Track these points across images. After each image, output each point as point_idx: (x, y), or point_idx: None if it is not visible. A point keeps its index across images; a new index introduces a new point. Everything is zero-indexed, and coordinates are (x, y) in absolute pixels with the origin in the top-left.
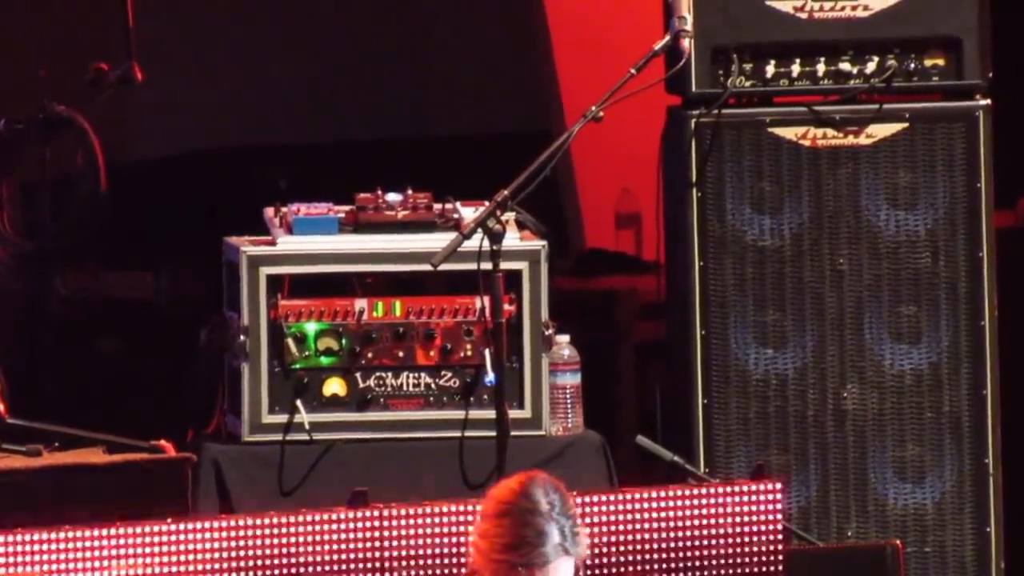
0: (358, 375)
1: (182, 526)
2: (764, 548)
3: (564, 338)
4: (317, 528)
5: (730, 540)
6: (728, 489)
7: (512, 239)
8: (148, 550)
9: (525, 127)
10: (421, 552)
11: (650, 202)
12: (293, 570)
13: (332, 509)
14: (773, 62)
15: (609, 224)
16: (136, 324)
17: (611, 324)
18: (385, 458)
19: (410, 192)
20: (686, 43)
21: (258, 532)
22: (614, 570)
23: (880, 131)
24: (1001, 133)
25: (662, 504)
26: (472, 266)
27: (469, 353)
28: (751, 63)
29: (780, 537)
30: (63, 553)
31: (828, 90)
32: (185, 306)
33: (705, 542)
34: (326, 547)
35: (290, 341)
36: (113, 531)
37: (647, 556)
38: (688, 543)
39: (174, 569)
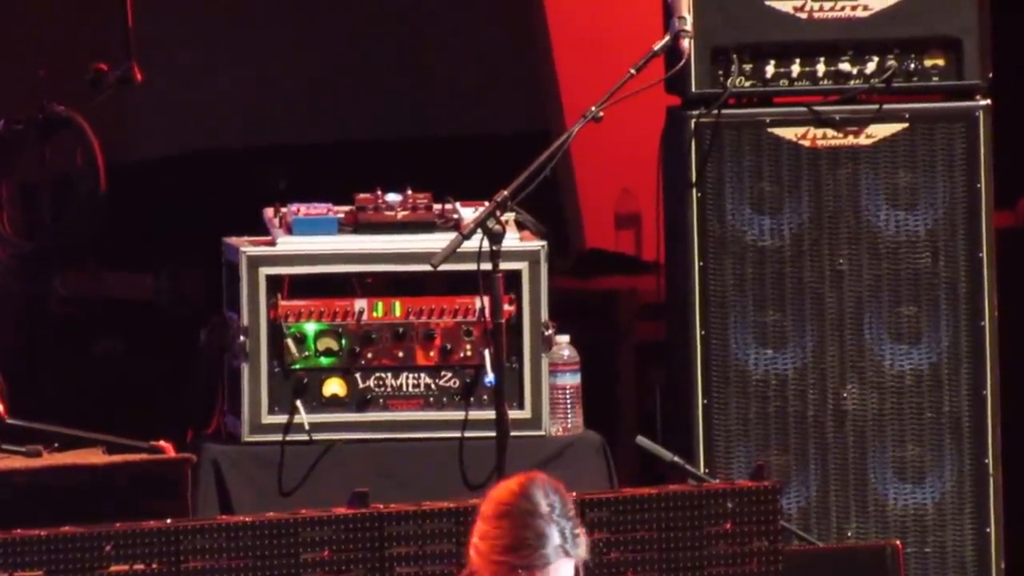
0: (358, 375)
1: (182, 527)
2: (764, 549)
3: (564, 338)
4: (317, 528)
5: (730, 541)
6: (728, 489)
7: (512, 239)
8: (148, 550)
9: (525, 127)
10: (421, 552)
11: (650, 202)
12: (293, 570)
13: (332, 509)
14: (773, 62)
15: (609, 224)
16: (136, 324)
17: (611, 324)
18: (385, 458)
19: (410, 192)
20: (686, 43)
21: (258, 532)
22: (614, 570)
23: (880, 131)
24: (1001, 133)
25: (662, 504)
26: (472, 266)
27: (469, 353)
28: (751, 63)
29: (780, 537)
30: (63, 553)
31: (828, 90)
32: (185, 306)
33: (705, 542)
34: (325, 547)
35: (290, 341)
36: (112, 532)
37: (647, 556)
38: (688, 543)
39: (174, 569)
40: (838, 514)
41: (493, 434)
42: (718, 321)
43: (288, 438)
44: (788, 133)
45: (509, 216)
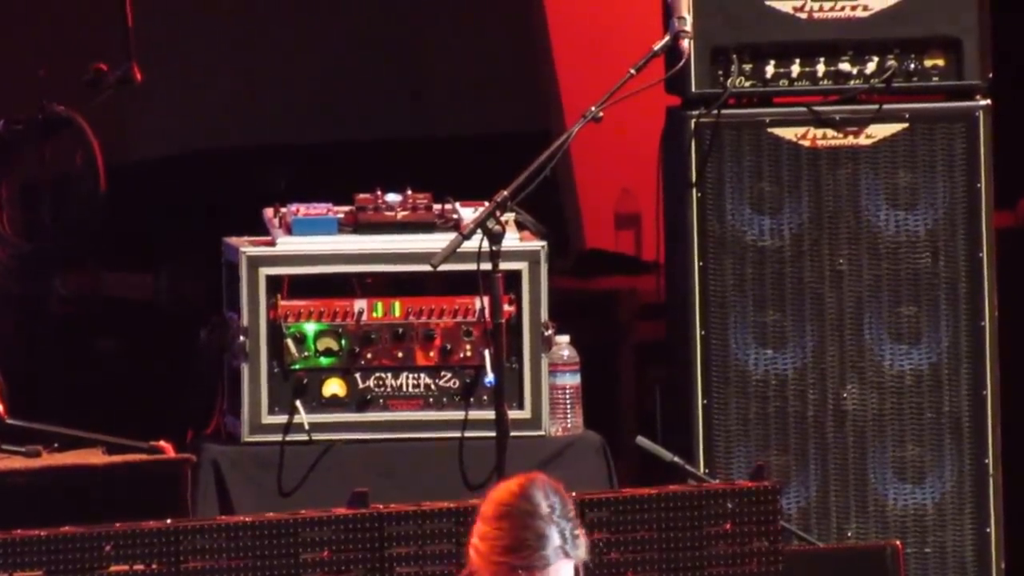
0: (357, 376)
1: (181, 527)
2: (764, 549)
3: (564, 338)
4: (317, 528)
5: (730, 541)
6: (728, 490)
7: (512, 240)
8: (148, 551)
9: (525, 127)
10: (421, 552)
11: (650, 202)
12: (293, 571)
13: (332, 510)
14: (773, 62)
15: (609, 224)
16: (136, 325)
17: (611, 324)
18: (385, 459)
19: (409, 192)
20: (686, 43)
21: (258, 533)
22: (614, 570)
23: (880, 131)
24: (1001, 133)
25: (662, 505)
26: (472, 267)
27: (469, 354)
28: (751, 63)
29: (780, 538)
30: (62, 554)
31: (828, 90)
32: (184, 306)
33: (705, 543)
34: (325, 548)
35: (289, 341)
36: (112, 532)
37: (647, 557)
38: (688, 544)
39: (174, 570)
40: (838, 514)
41: (493, 434)
42: (718, 321)
43: (288, 438)
44: (788, 133)
45: (509, 216)
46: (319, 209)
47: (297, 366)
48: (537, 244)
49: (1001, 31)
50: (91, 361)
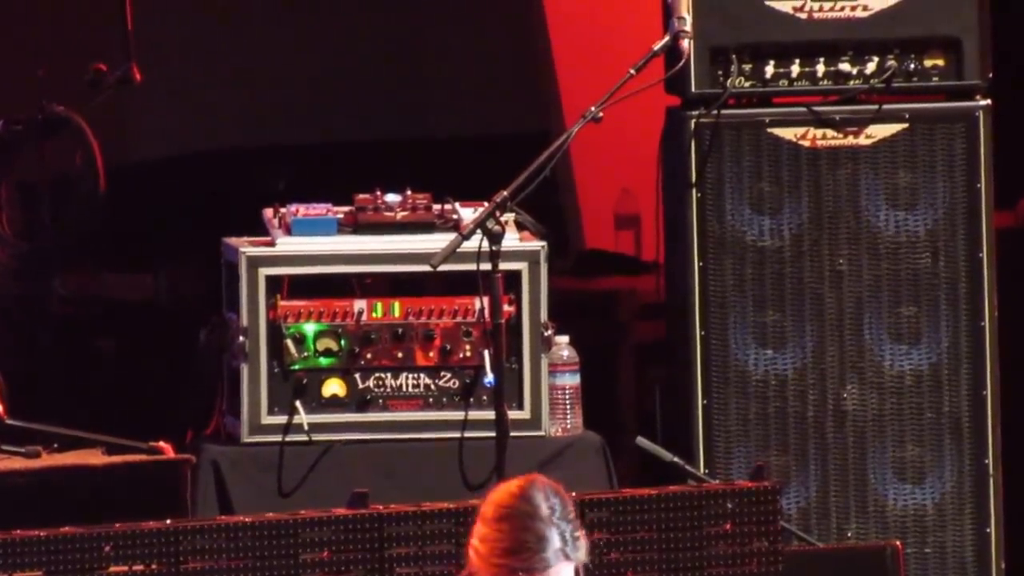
0: (357, 376)
1: (181, 527)
2: (764, 549)
3: (563, 339)
4: (316, 529)
5: (730, 541)
6: (728, 490)
7: (511, 240)
8: (147, 551)
9: (524, 128)
10: (421, 553)
11: (650, 203)
12: (292, 571)
13: (331, 510)
14: (772, 62)
15: (608, 225)
16: (135, 325)
17: (611, 325)
18: (384, 459)
19: (409, 193)
20: (685, 43)
21: (257, 533)
22: (614, 571)
23: (880, 131)
24: (1001, 133)
25: (662, 505)
26: (471, 267)
27: (468, 354)
28: (750, 63)
29: (780, 538)
30: (62, 554)
31: (828, 90)
32: (184, 307)
33: (705, 543)
34: (325, 548)
35: (289, 342)
36: (112, 532)
37: (647, 557)
38: (688, 544)
39: (173, 571)
40: (838, 514)
41: (493, 434)
42: (718, 321)
43: (288, 439)
44: (788, 133)
45: (509, 216)
46: (319, 209)
47: (297, 366)
48: (537, 244)
49: (1001, 31)
50: (91, 361)
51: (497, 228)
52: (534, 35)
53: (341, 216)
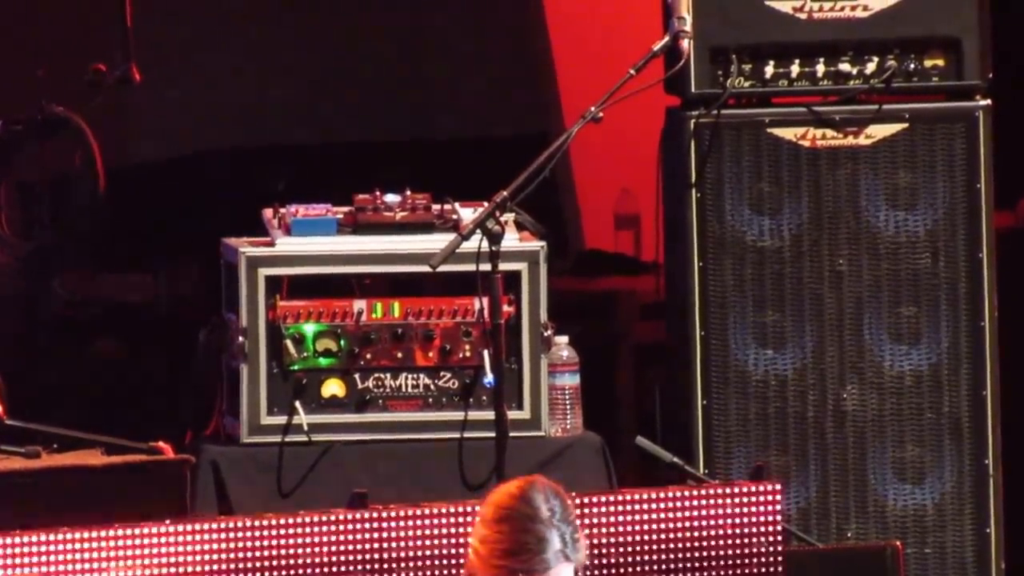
0: (357, 376)
1: (181, 528)
2: (764, 549)
3: (563, 339)
4: (316, 530)
5: (730, 541)
6: (727, 490)
7: (511, 240)
8: (147, 552)
9: (524, 128)
10: (420, 553)
11: (649, 203)
12: (292, 572)
13: (331, 511)
14: (772, 63)
15: (608, 225)
16: (135, 325)
17: (610, 325)
18: (384, 459)
19: (409, 193)
20: (685, 44)
21: (257, 534)
22: (613, 571)
23: (880, 131)
24: (1001, 133)
25: (661, 505)
26: (471, 267)
27: (468, 354)
28: (750, 64)
29: (780, 538)
30: (61, 555)
31: (827, 91)
32: (184, 307)
33: (705, 543)
34: (325, 549)
35: (289, 342)
36: (111, 533)
37: (646, 558)
38: (688, 544)
39: (173, 571)
40: (838, 515)
41: (492, 435)
42: (718, 322)
43: (287, 439)
44: (787, 133)
45: (508, 217)
46: (318, 210)
47: (296, 367)
48: (536, 244)
49: (1001, 31)
50: (90, 362)
51: (497, 228)
52: (534, 35)
53: (341, 216)
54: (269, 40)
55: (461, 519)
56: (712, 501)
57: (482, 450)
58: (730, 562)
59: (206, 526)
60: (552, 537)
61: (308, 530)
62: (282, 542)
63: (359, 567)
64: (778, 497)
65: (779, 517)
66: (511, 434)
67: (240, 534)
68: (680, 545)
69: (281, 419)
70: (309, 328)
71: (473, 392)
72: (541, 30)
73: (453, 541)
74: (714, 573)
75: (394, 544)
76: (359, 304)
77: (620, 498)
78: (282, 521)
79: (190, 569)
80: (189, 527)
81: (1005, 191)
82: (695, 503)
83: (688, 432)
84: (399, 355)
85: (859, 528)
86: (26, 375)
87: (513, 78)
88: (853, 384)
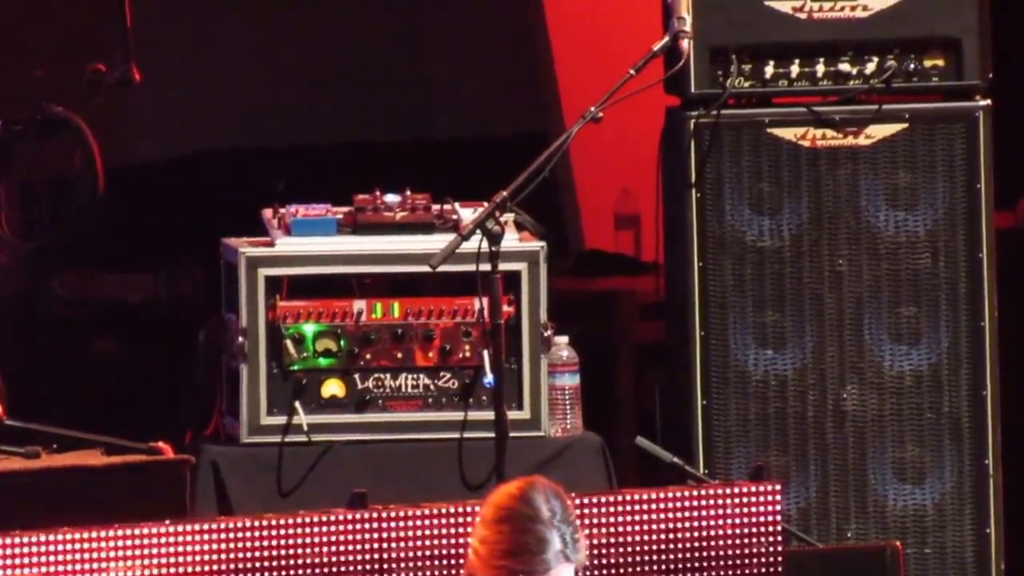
0: (357, 376)
1: (180, 528)
2: (764, 549)
3: (563, 339)
4: (316, 530)
5: (730, 542)
6: (727, 490)
7: (511, 240)
8: (146, 552)
9: (524, 128)
10: (420, 554)
11: (649, 203)
12: (292, 572)
13: (331, 511)
14: (772, 63)
15: (608, 225)
16: (134, 326)
17: (610, 325)
18: (384, 459)
19: (408, 193)
20: (685, 44)
21: (257, 534)
22: (614, 571)
23: (880, 131)
24: (1001, 133)
25: (661, 506)
26: (471, 267)
27: (468, 354)
28: (750, 64)
29: (780, 538)
30: (61, 555)
31: (827, 91)
32: (184, 307)
33: (704, 544)
34: (325, 549)
35: (288, 342)
36: (111, 533)
37: (646, 558)
38: (687, 545)
39: (173, 571)
40: (838, 515)
41: (492, 435)
42: (717, 322)
43: (287, 439)
44: (787, 133)
45: (508, 217)
46: (318, 210)
47: (296, 367)
48: (536, 245)
49: (1001, 31)
50: (90, 362)
51: (496, 228)
52: (534, 35)
53: (340, 216)
54: (269, 40)
55: (461, 519)
56: (712, 501)
57: (482, 450)
58: (730, 562)
59: (206, 526)
60: (552, 538)
61: (308, 530)
62: (282, 542)
63: (359, 567)
64: (778, 497)
65: (779, 517)
66: (511, 434)
67: (240, 534)
68: (680, 545)
69: (281, 419)
70: (309, 328)
71: (473, 392)
72: (541, 30)
73: (453, 541)
74: (714, 573)
75: (394, 544)
76: (359, 304)
77: (620, 498)
78: (282, 521)
79: (190, 569)
80: (189, 527)
81: (1005, 191)
82: (695, 503)
83: (688, 432)
84: (399, 355)
85: (859, 528)
86: (26, 375)
87: (513, 78)
88: (853, 384)
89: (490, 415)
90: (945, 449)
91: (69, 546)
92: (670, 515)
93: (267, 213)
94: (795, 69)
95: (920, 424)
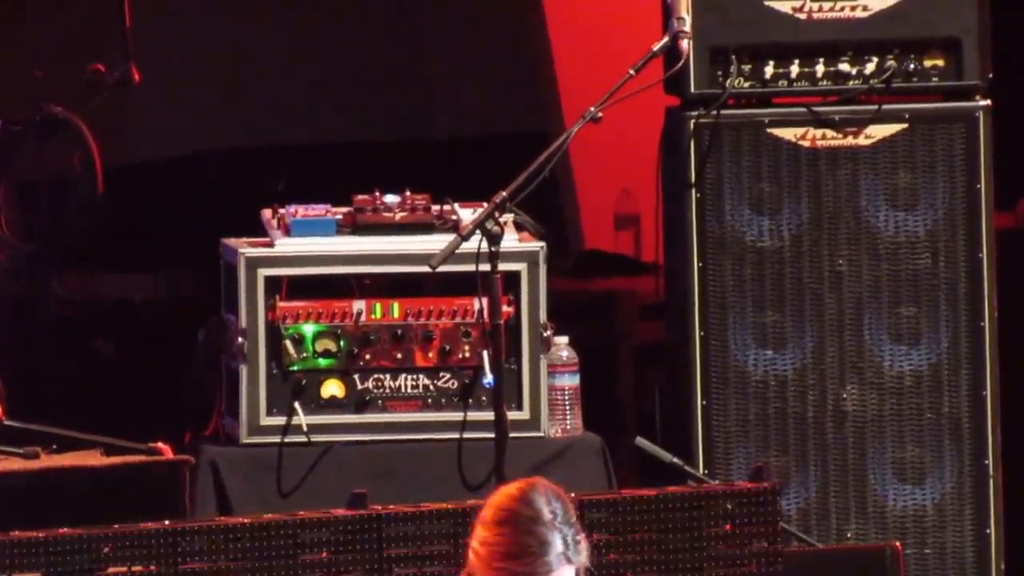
0: (356, 377)
1: (180, 528)
2: (763, 550)
3: (563, 339)
4: (315, 530)
5: (729, 542)
6: (727, 491)
7: (510, 240)
8: (146, 552)
9: (524, 128)
10: (420, 553)
11: (649, 203)
12: (291, 572)
13: (330, 511)
14: (772, 63)
15: (608, 225)
16: (134, 326)
17: (610, 325)
18: (383, 460)
19: (408, 193)
20: (685, 44)
21: (256, 534)
22: (613, 572)
23: (879, 132)
24: (1001, 133)
25: (661, 506)
26: (470, 267)
27: (467, 355)
28: (750, 64)
29: (779, 538)
30: (61, 555)
31: (827, 91)
32: (184, 307)
33: (704, 544)
34: (324, 549)
35: (288, 343)
36: (111, 533)
37: (646, 558)
38: (687, 545)
39: (172, 571)
40: (838, 515)
41: (492, 435)
42: (717, 322)
43: (286, 440)
44: (787, 134)
45: (508, 217)
46: (317, 210)
47: (295, 367)
48: (536, 245)
49: (1001, 31)
50: (89, 362)
51: (496, 229)
52: (534, 35)
53: (340, 217)
54: (269, 40)
55: (461, 519)
56: (712, 502)
57: (482, 451)
58: (729, 563)
59: (206, 526)
60: (554, 539)
61: (307, 531)
62: (282, 542)
63: (359, 567)
64: (778, 497)
65: (779, 517)
66: (511, 435)
67: (239, 535)
68: (680, 545)
69: (280, 420)
70: (308, 329)
71: (473, 393)
72: (541, 30)
73: (452, 542)
74: (714, 573)
75: (393, 545)
76: (358, 305)
77: (620, 499)
78: (282, 521)
79: (190, 569)
80: (189, 527)
81: (1005, 191)
82: (695, 504)
83: (688, 432)
84: (398, 356)
85: (859, 528)
86: (26, 375)
87: (513, 78)
88: (853, 384)
89: (490, 415)
90: (945, 449)
91: (68, 546)
92: (669, 516)
93: (267, 213)
94: (795, 69)
95: (920, 424)
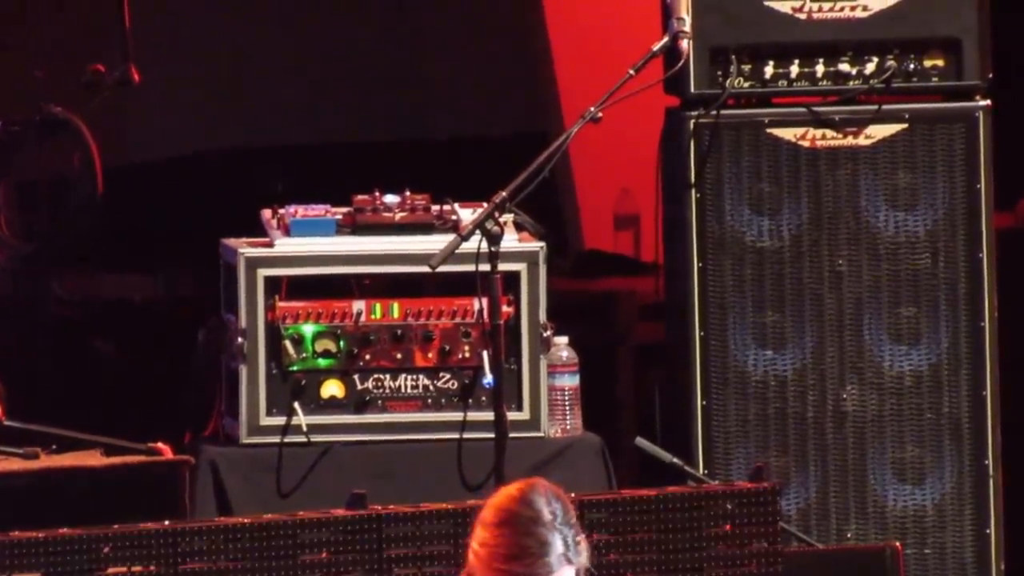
0: (356, 377)
1: (180, 528)
2: (763, 550)
3: (563, 339)
4: (315, 530)
5: (729, 542)
6: (727, 491)
7: (510, 240)
8: (146, 552)
9: (523, 128)
10: (419, 554)
11: (649, 203)
12: (291, 572)
13: (330, 511)
14: (772, 63)
15: (608, 225)
16: (134, 326)
17: (610, 325)
18: (383, 460)
19: (408, 194)
20: (685, 44)
21: (256, 534)
22: (613, 572)
23: (879, 132)
24: (1001, 133)
25: (661, 506)
26: (470, 268)
27: (467, 355)
28: (750, 64)
29: (779, 538)
30: (61, 555)
31: (827, 91)
32: (183, 307)
33: (704, 544)
34: (324, 549)
35: (288, 343)
36: (110, 533)
37: (646, 558)
38: (687, 545)
39: (172, 571)
40: (837, 515)
41: (492, 436)
42: (717, 322)
43: (286, 440)
44: (787, 134)
45: (508, 217)
46: (317, 210)
47: (295, 367)
48: (536, 245)
49: (1001, 31)
50: (89, 362)
51: (496, 229)
52: (534, 35)
53: (340, 217)
54: (269, 40)
55: (461, 519)
56: (712, 502)
57: (481, 451)
58: (729, 563)
59: (206, 526)
60: (554, 540)
61: (307, 531)
62: (282, 542)
63: (358, 568)
64: (778, 498)
65: (779, 518)
66: (510, 435)
67: (239, 535)
68: (680, 545)
69: (280, 420)
70: (308, 329)
71: (472, 393)
72: (541, 30)
73: (452, 542)
74: (714, 573)
75: (393, 545)
76: (358, 305)
77: (619, 499)
78: (282, 521)
79: (190, 569)
80: (189, 527)
81: (1005, 191)
82: (694, 504)
83: (688, 432)
84: (398, 356)
85: (859, 529)
86: (26, 375)
87: (513, 78)
88: (853, 384)
89: (490, 416)
90: (945, 449)
91: (68, 547)
92: (669, 516)
93: (266, 213)
94: (795, 69)
95: (920, 424)
